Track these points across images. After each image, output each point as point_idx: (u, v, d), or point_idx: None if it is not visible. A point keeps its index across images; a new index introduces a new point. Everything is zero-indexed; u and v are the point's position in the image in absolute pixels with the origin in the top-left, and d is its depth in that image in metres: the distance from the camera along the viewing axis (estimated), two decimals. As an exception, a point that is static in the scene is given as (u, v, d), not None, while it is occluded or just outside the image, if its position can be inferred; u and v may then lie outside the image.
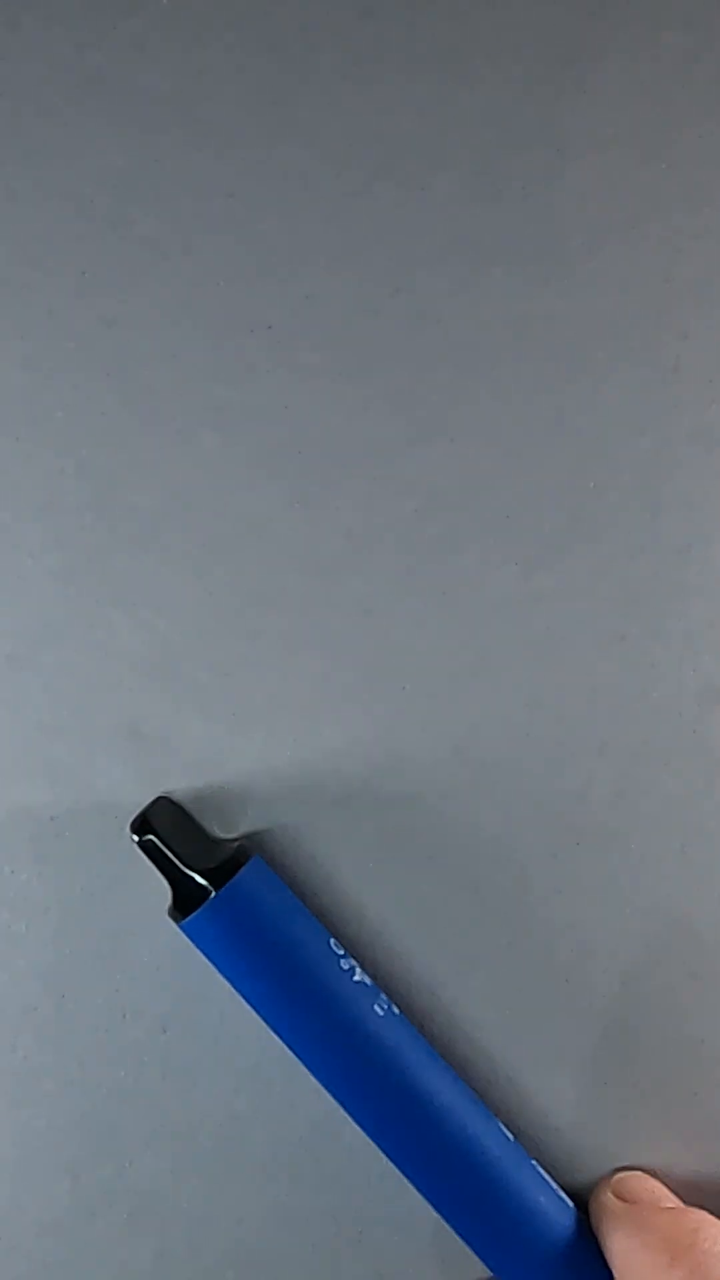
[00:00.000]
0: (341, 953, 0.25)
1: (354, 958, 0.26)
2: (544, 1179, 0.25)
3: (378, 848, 0.27)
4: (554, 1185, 0.26)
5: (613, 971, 0.27)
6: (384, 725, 0.27)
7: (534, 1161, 0.26)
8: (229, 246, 0.27)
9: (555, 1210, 0.25)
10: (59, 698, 0.27)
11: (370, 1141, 0.25)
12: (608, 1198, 0.25)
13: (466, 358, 0.27)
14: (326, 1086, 0.25)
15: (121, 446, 0.27)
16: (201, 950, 0.25)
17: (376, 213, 0.27)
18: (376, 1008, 0.25)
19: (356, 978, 0.25)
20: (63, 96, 0.27)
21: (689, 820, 0.27)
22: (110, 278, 0.27)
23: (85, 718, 0.27)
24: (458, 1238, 0.26)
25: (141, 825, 0.25)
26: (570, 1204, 0.26)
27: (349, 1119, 0.25)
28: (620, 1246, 0.24)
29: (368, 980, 0.25)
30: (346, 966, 0.25)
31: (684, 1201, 0.26)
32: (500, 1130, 0.25)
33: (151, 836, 0.25)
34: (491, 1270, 0.25)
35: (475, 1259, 0.25)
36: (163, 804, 0.26)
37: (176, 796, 0.26)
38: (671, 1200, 0.25)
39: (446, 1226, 0.26)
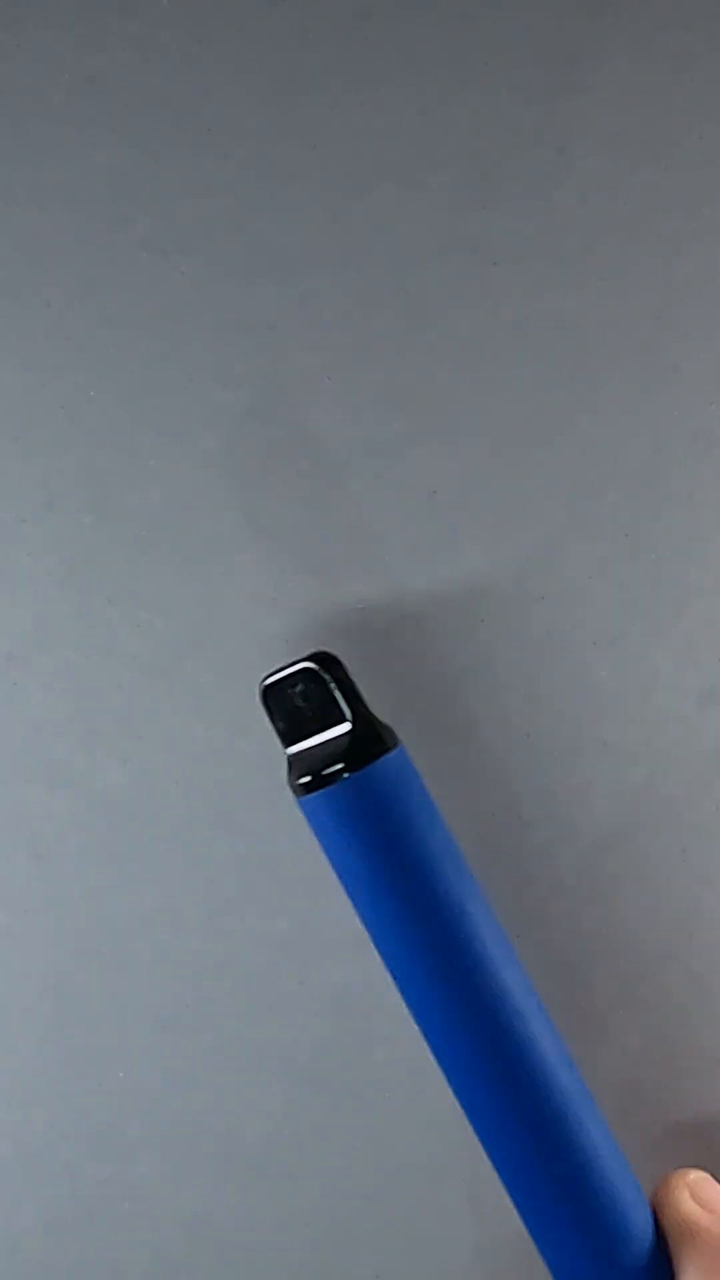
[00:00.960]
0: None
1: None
2: (629, 1171, 0.23)
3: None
4: (636, 1181, 0.23)
5: (613, 971, 0.27)
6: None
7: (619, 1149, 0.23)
8: (229, 246, 0.27)
9: (637, 1205, 0.23)
10: (59, 698, 0.27)
11: (369, 1142, 0.25)
12: (688, 1203, 0.23)
13: (466, 358, 0.27)
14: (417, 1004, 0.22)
15: (121, 446, 0.27)
16: (356, 806, 0.22)
17: (376, 213, 0.27)
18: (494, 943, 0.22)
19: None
20: (63, 96, 0.27)
21: (689, 820, 0.27)
22: (110, 278, 0.27)
23: (85, 718, 0.27)
24: (457, 1238, 0.26)
25: (326, 658, 0.23)
26: (648, 1203, 0.23)
27: (348, 1119, 0.25)
28: (701, 1265, 0.22)
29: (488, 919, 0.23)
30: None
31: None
32: (594, 1105, 0.23)
33: (337, 672, 0.23)
34: (548, 1256, 0.23)
35: (469, 1261, 0.25)
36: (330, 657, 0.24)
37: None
38: None
39: (446, 1226, 0.26)
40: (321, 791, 0.22)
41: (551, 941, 0.27)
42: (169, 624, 0.27)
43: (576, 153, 0.27)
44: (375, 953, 0.24)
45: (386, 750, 0.22)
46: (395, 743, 0.23)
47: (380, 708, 0.27)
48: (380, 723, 0.24)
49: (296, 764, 0.23)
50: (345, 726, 0.23)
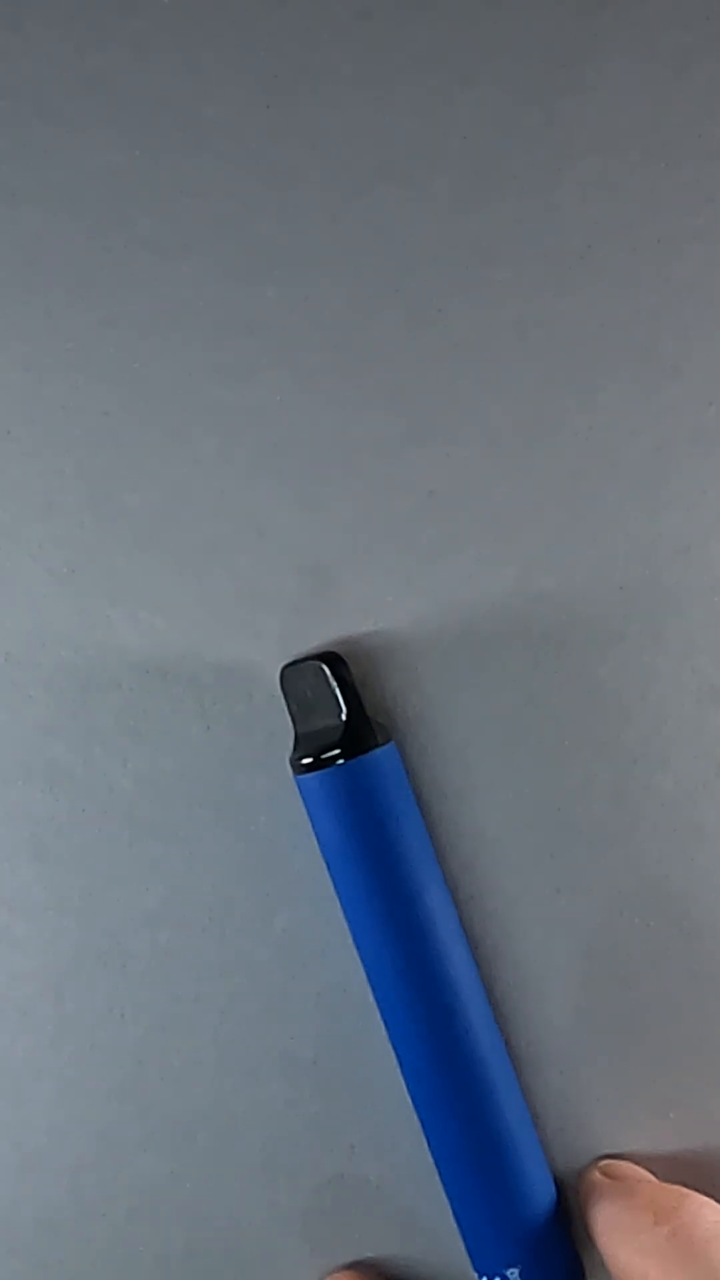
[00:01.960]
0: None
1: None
2: (541, 1152, 0.26)
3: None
4: (545, 1161, 0.26)
5: (613, 971, 0.27)
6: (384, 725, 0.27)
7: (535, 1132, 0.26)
8: (229, 246, 0.27)
9: (542, 1182, 0.26)
10: (59, 698, 0.27)
11: (369, 1142, 0.25)
12: (595, 1175, 0.26)
13: (466, 358, 0.27)
14: (372, 969, 0.25)
15: (121, 446, 0.27)
16: (347, 794, 0.25)
17: (376, 213, 0.27)
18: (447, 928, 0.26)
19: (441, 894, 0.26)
20: (63, 96, 0.27)
21: (689, 820, 0.27)
22: (110, 278, 0.27)
23: (85, 718, 0.27)
24: (456, 1238, 0.26)
25: (331, 657, 0.26)
26: (553, 1182, 0.26)
27: (347, 1120, 0.25)
28: (605, 1213, 0.25)
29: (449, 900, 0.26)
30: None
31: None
32: (519, 1090, 0.26)
33: (340, 671, 0.26)
34: (460, 1224, 0.26)
35: (469, 1260, 0.25)
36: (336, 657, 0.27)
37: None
38: (655, 1181, 0.26)
39: (445, 1227, 0.26)
40: (316, 773, 0.25)
41: (551, 941, 0.27)
42: (169, 624, 0.27)
43: (576, 153, 0.27)
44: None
45: (376, 745, 0.25)
46: (386, 739, 0.26)
47: (377, 706, 0.27)
48: (373, 720, 0.26)
49: (301, 744, 0.26)
50: (342, 720, 0.25)
